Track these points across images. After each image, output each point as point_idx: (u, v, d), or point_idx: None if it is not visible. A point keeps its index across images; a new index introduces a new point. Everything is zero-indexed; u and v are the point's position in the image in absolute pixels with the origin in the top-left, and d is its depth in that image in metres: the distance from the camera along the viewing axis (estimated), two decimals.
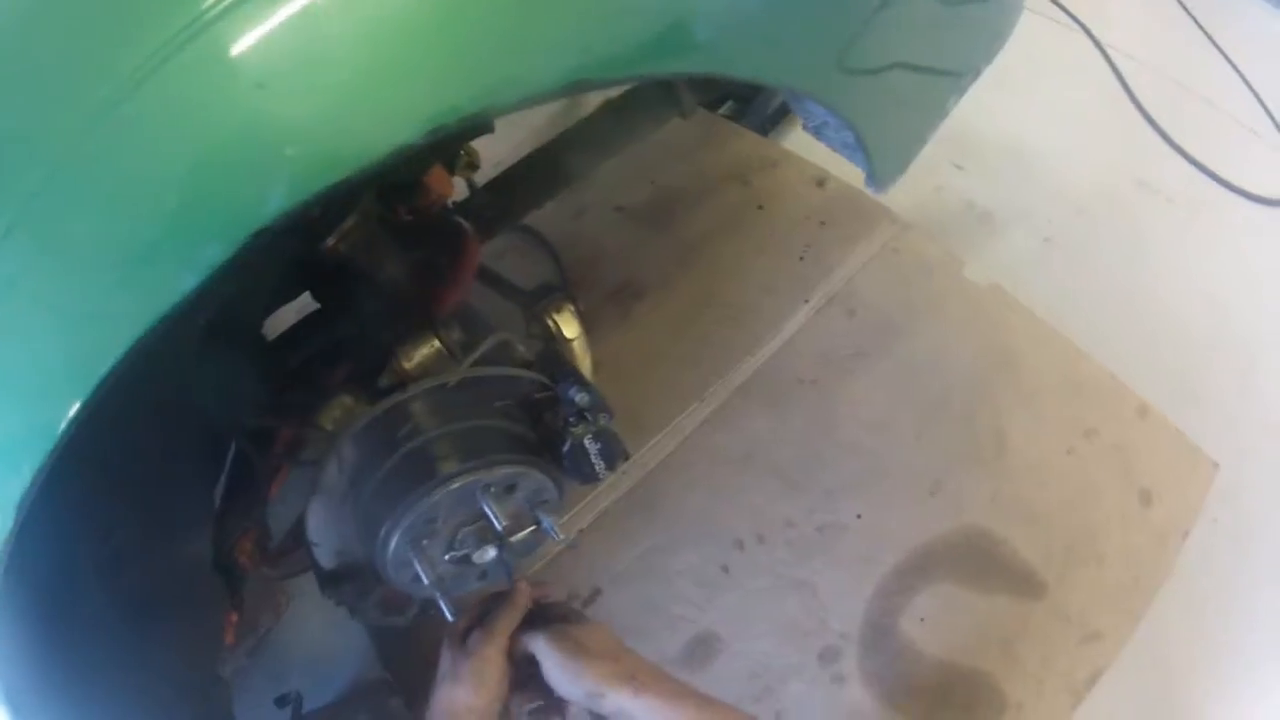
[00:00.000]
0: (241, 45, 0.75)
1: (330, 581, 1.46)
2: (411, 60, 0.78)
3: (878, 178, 1.45)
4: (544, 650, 1.31)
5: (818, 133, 1.39)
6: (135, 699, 1.32)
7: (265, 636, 2.20)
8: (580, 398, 1.36)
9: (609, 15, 0.87)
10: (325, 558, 1.45)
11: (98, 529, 1.21)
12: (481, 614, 1.36)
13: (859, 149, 1.36)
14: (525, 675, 1.34)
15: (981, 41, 1.64)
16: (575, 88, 0.86)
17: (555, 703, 1.33)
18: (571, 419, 1.37)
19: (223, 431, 1.58)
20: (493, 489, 1.28)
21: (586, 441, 1.38)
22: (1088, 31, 3.70)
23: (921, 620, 2.00)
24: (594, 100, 2.08)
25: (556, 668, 1.29)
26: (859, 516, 2.11)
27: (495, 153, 2.08)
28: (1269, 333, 2.85)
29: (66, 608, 1.12)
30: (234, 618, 1.66)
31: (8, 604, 0.93)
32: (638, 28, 0.89)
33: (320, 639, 2.21)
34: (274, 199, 0.76)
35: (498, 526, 1.27)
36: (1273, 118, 3.47)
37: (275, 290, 1.54)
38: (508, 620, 1.33)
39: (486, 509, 1.26)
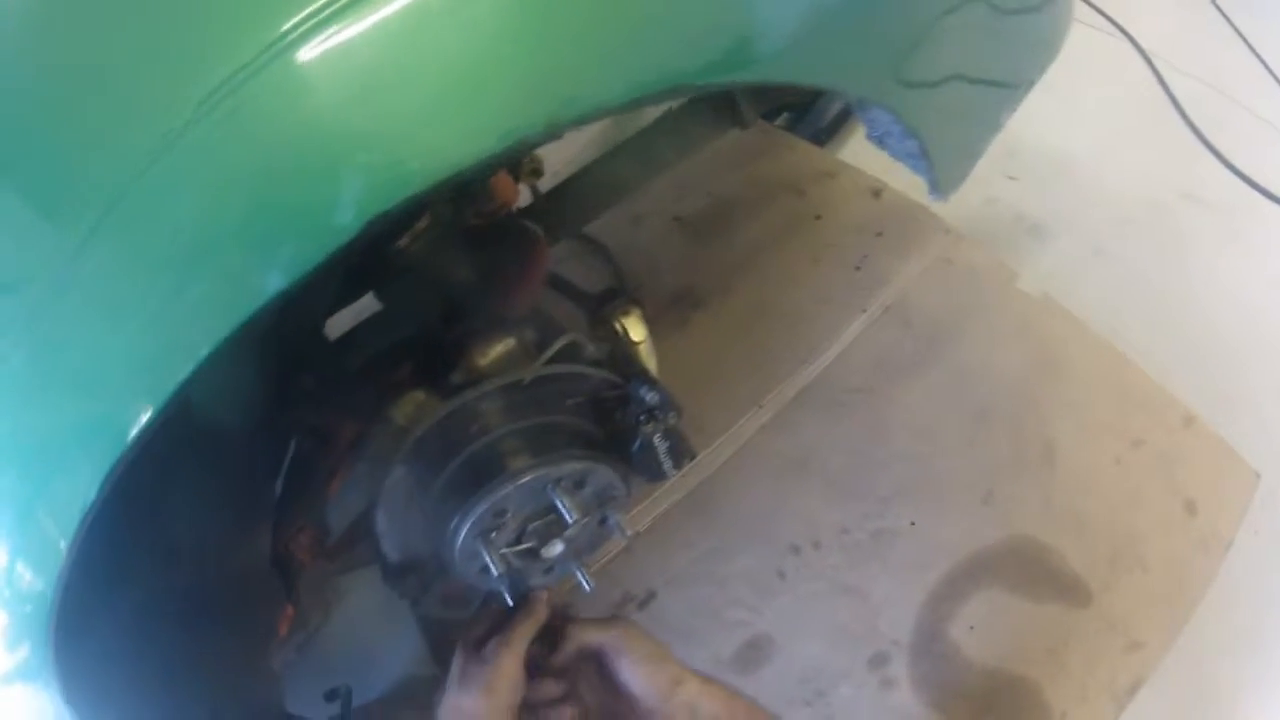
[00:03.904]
0: (319, 68, 0.77)
1: (395, 573, 1.48)
2: (489, 76, 0.80)
3: (941, 186, 1.46)
4: (626, 635, 1.32)
5: (880, 142, 1.40)
6: (188, 692, 1.35)
7: (314, 634, 2.22)
8: (650, 396, 1.38)
9: (681, 26, 0.88)
10: (391, 550, 1.47)
11: (154, 526, 1.21)
12: (497, 621, 1.36)
13: (922, 158, 1.37)
14: (573, 670, 1.35)
15: (1034, 54, 1.66)
16: (640, 102, 0.87)
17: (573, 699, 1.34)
18: (641, 417, 1.39)
19: (281, 430, 1.59)
20: (563, 483, 1.30)
21: (656, 440, 1.40)
22: (1131, 39, 3.71)
23: (971, 628, 2.00)
24: (653, 110, 2.09)
25: (641, 652, 1.30)
26: (912, 523, 2.12)
27: (553, 161, 2.09)
28: None
29: (122, 603, 1.14)
30: (290, 611, 1.68)
31: (70, 611, 0.95)
32: (710, 38, 0.91)
33: (369, 635, 2.23)
34: (355, 210, 0.78)
35: (568, 519, 1.29)
36: None
37: (340, 291, 1.56)
38: (525, 629, 1.32)
39: (557, 503, 1.29)
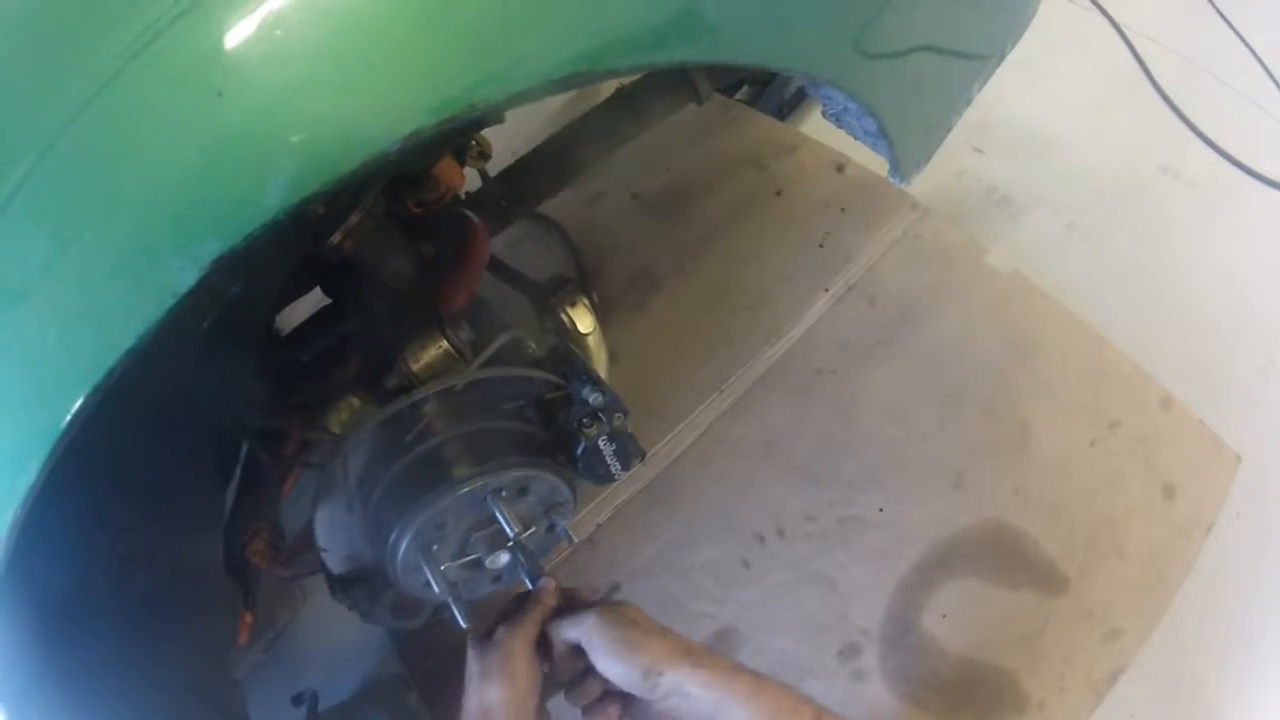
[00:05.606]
0: (231, 34, 0.73)
1: (341, 586, 1.43)
2: (408, 53, 0.76)
3: (901, 167, 1.41)
4: (595, 628, 1.23)
5: (838, 120, 1.35)
6: (144, 701, 1.30)
7: (282, 632, 2.20)
8: (594, 398, 1.32)
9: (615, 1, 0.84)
10: (335, 562, 1.42)
11: (106, 533, 1.20)
12: (505, 612, 1.30)
13: (881, 137, 1.32)
14: (570, 670, 1.27)
15: (1006, 22, 1.60)
16: (580, 79, 0.82)
17: (614, 694, 1.26)
18: (585, 420, 1.33)
19: (232, 432, 1.56)
20: (503, 493, 1.25)
21: (601, 443, 1.34)
22: (1105, 12, 3.65)
23: (944, 616, 1.96)
24: (607, 87, 2.04)
25: (608, 646, 1.21)
26: (880, 510, 2.07)
27: (510, 141, 2.05)
28: None
29: (73, 611, 1.11)
30: (248, 618, 1.65)
31: (10, 606, 0.92)
32: (645, 14, 0.86)
33: (337, 634, 2.21)
34: (273, 195, 0.74)
35: (509, 532, 1.23)
36: None
37: (285, 286, 1.52)
38: (535, 614, 1.27)
39: (497, 513, 1.23)
